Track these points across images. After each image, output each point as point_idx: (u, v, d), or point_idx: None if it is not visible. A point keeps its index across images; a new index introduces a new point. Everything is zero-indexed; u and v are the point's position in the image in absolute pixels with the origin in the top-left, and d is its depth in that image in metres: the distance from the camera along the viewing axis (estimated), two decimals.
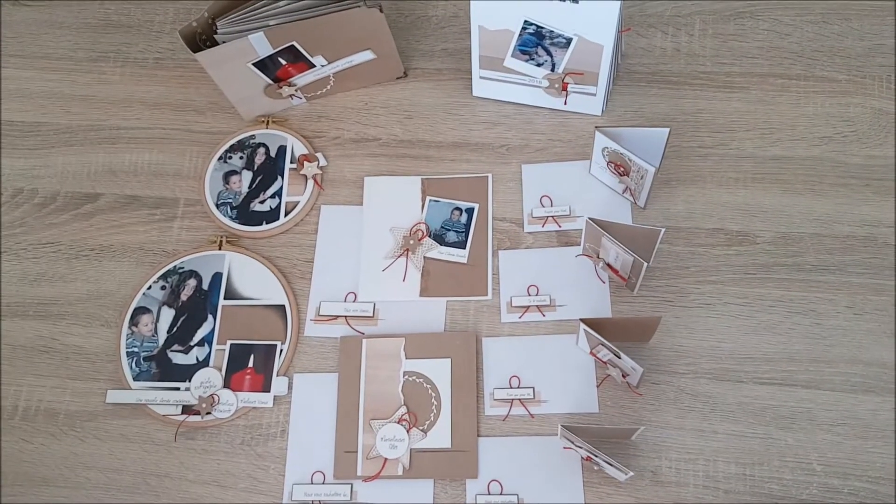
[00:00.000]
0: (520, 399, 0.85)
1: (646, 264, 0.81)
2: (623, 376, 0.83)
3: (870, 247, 0.88)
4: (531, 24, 0.87)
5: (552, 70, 0.92)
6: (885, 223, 0.89)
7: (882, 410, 0.82)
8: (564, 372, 0.86)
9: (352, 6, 0.90)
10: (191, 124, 1.03)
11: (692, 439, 0.83)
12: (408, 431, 0.85)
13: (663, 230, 0.80)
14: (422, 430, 0.85)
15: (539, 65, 0.92)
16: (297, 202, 0.96)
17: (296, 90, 0.99)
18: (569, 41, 0.88)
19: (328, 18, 0.89)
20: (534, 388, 0.86)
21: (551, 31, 0.87)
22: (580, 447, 0.78)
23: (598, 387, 0.85)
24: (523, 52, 0.91)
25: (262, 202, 0.97)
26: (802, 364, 0.84)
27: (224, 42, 0.90)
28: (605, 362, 0.84)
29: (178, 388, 0.89)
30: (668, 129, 0.85)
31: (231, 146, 1.00)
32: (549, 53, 0.90)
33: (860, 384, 0.83)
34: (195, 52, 0.90)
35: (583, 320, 0.80)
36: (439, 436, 0.85)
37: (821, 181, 0.92)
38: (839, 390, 0.83)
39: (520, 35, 0.89)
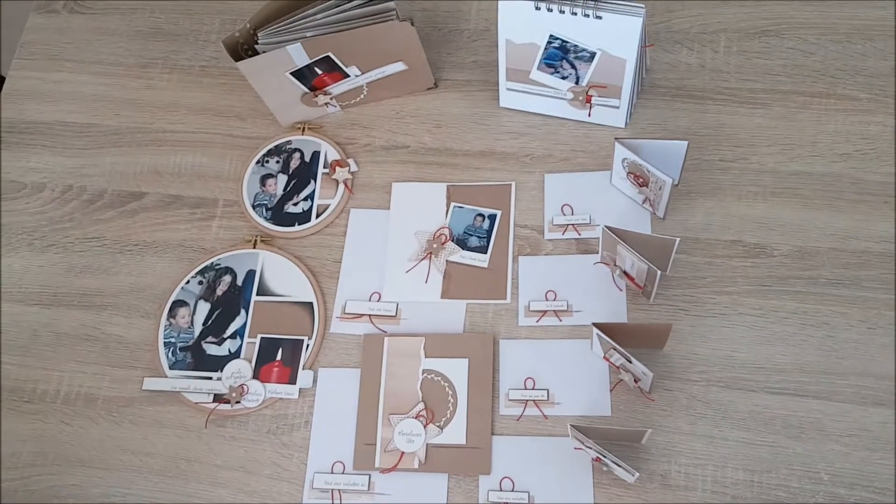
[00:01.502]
0: (534, 400, 0.88)
1: (659, 273, 0.83)
2: (635, 381, 0.85)
3: (886, 263, 0.89)
4: (556, 38, 0.91)
5: (576, 83, 0.95)
6: None
7: (891, 423, 0.83)
8: (578, 375, 0.89)
9: (385, 20, 0.94)
10: (232, 129, 1.08)
11: (702, 445, 0.85)
12: (425, 427, 0.88)
13: (678, 240, 0.82)
14: (438, 427, 0.88)
15: (564, 77, 0.95)
16: (328, 205, 1.01)
17: (331, 98, 1.04)
18: (593, 55, 0.91)
19: (362, 31, 0.94)
20: (548, 389, 0.88)
21: (576, 46, 0.91)
22: (590, 448, 0.81)
23: (611, 391, 0.88)
24: (549, 66, 0.94)
25: (295, 204, 1.01)
26: (814, 375, 0.86)
27: (264, 52, 0.95)
28: (617, 367, 0.86)
29: (210, 378, 0.94)
30: (686, 142, 0.87)
31: (268, 151, 1.05)
32: (573, 67, 0.93)
33: (870, 397, 0.84)
34: (237, 60, 0.95)
35: (595, 325, 0.83)
36: (455, 432, 0.88)
37: (839, 197, 0.93)
38: (849, 402, 0.84)
39: (545, 49, 0.92)
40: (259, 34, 0.95)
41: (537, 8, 0.88)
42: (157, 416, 0.94)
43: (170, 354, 0.96)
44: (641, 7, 0.85)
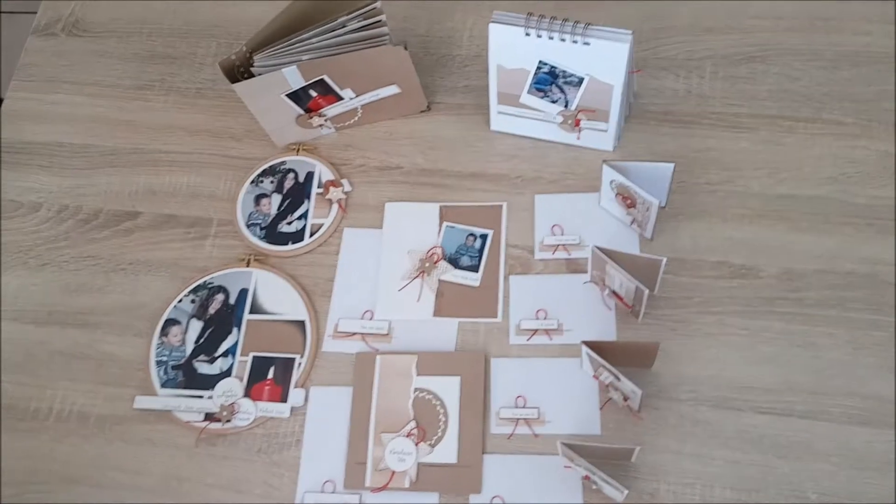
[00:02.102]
0: (525, 419, 0.89)
1: (647, 292, 0.84)
2: (624, 399, 0.86)
3: (871, 284, 0.91)
4: (546, 63, 0.93)
5: (566, 107, 0.97)
6: (886, 262, 0.92)
7: (877, 442, 0.83)
8: (568, 394, 0.89)
9: (379, 44, 0.96)
10: (227, 150, 1.10)
11: (691, 464, 0.85)
12: (416, 445, 0.88)
13: (665, 260, 0.84)
14: (429, 445, 0.89)
15: (553, 101, 0.97)
16: (322, 224, 1.02)
17: (325, 120, 1.05)
18: (581, 80, 0.93)
19: (357, 55, 0.96)
20: (538, 408, 0.89)
21: (564, 71, 0.93)
22: (579, 466, 0.81)
23: (600, 409, 0.88)
24: (538, 90, 0.96)
25: (289, 224, 1.02)
26: (801, 395, 0.87)
27: (260, 74, 0.97)
28: (607, 385, 0.87)
29: (201, 397, 0.94)
30: (672, 165, 0.89)
31: (263, 171, 1.06)
32: (562, 91, 0.95)
33: (857, 416, 0.85)
34: (233, 82, 0.97)
35: (585, 343, 0.84)
36: (446, 451, 0.88)
37: (825, 220, 0.95)
38: (836, 422, 0.85)
39: (535, 74, 0.94)
40: (255, 57, 0.97)
41: (527, 34, 0.90)
42: (149, 434, 0.94)
43: (161, 373, 0.96)
44: (628, 34, 0.88)
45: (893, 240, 0.93)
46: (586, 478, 0.83)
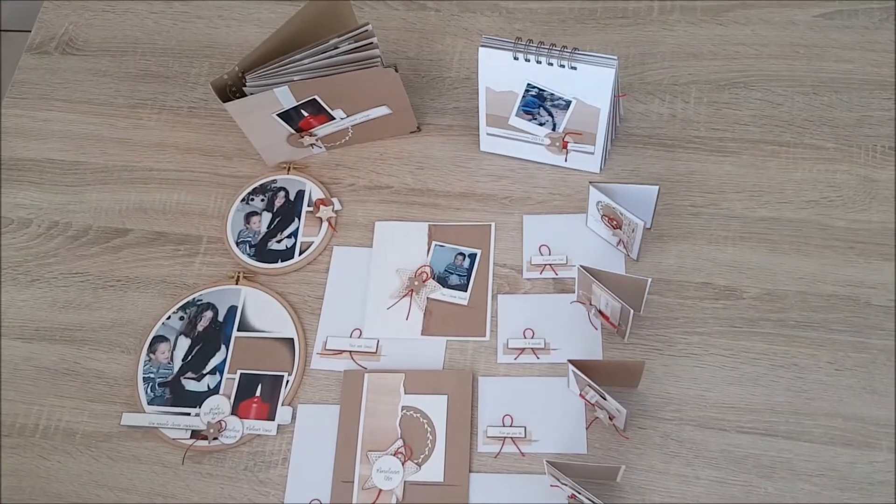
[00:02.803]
0: (511, 437, 0.89)
1: (632, 312, 0.85)
2: (610, 419, 0.87)
3: (852, 306, 0.92)
4: (534, 87, 0.94)
5: (553, 129, 0.99)
6: (867, 284, 0.93)
7: (859, 463, 0.85)
8: (555, 413, 0.90)
9: (370, 66, 0.97)
10: (218, 168, 1.10)
11: (675, 484, 0.86)
12: (403, 464, 0.89)
13: (650, 280, 0.85)
14: (416, 464, 0.89)
15: (541, 124, 0.99)
16: (312, 242, 1.03)
17: (316, 140, 1.07)
18: (568, 103, 0.95)
19: (348, 76, 0.97)
20: (525, 427, 0.90)
21: (552, 94, 0.94)
22: (565, 485, 0.82)
23: (587, 428, 0.89)
24: (527, 112, 0.98)
25: (278, 241, 1.03)
26: (784, 416, 0.88)
27: (252, 94, 0.98)
28: (593, 404, 0.88)
29: (188, 414, 0.94)
30: (657, 187, 0.90)
31: (254, 189, 1.07)
32: (550, 114, 0.97)
33: (839, 437, 0.86)
34: (225, 102, 0.98)
35: (571, 361, 0.85)
36: (433, 469, 0.89)
37: (807, 242, 0.97)
38: (818, 442, 0.86)
39: (523, 97, 0.96)
40: (247, 77, 0.98)
41: (515, 58, 0.92)
42: (135, 451, 0.94)
43: (149, 390, 0.96)
44: (614, 59, 0.89)
45: (873, 263, 0.94)
46: (572, 497, 0.83)
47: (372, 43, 0.97)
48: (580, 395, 0.89)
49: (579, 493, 0.80)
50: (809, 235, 0.97)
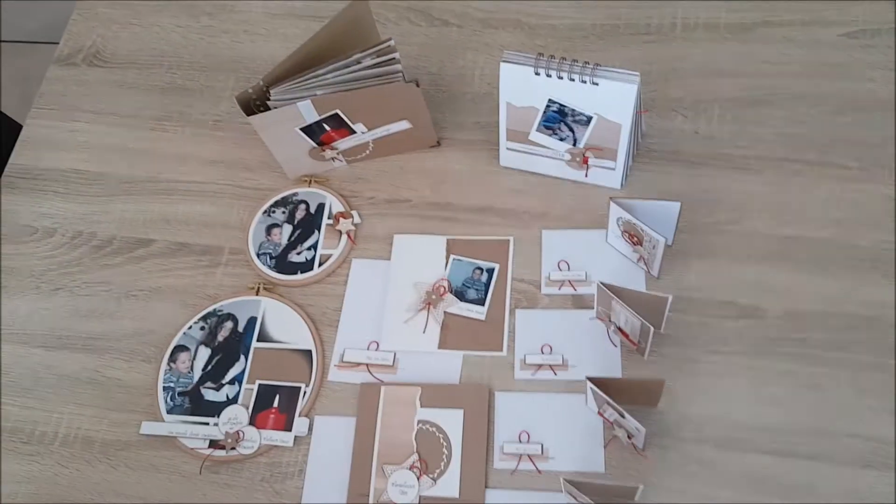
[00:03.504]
0: (528, 454, 0.89)
1: (652, 329, 0.85)
2: (629, 437, 0.86)
3: (874, 327, 0.91)
4: (555, 102, 0.94)
5: (574, 145, 0.99)
6: (889, 305, 0.92)
7: (879, 485, 0.83)
8: (573, 430, 0.89)
9: (392, 81, 0.98)
10: (241, 181, 1.12)
11: None
12: (418, 478, 0.88)
13: (670, 297, 0.84)
14: (432, 478, 0.89)
15: (562, 139, 0.99)
16: (331, 255, 1.03)
17: (337, 153, 1.07)
18: (589, 119, 0.95)
19: (370, 91, 0.98)
20: (542, 444, 0.89)
21: (573, 110, 0.94)
22: (582, 503, 0.81)
23: (605, 447, 0.88)
24: (547, 128, 0.98)
25: (298, 253, 1.04)
26: (805, 437, 0.86)
27: (275, 108, 0.99)
28: (611, 423, 0.87)
29: (207, 423, 0.95)
30: (679, 203, 0.90)
31: (275, 202, 1.08)
32: (571, 130, 0.97)
33: (860, 459, 0.85)
34: (249, 115, 0.99)
35: (589, 378, 0.84)
36: (448, 484, 0.88)
37: (830, 262, 0.96)
38: (840, 463, 0.85)
39: (544, 112, 0.96)
40: (271, 91, 0.99)
41: (537, 73, 0.92)
42: (153, 460, 0.94)
43: (168, 399, 0.97)
44: (636, 75, 0.89)
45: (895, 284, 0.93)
46: None
47: (394, 58, 0.98)
48: (598, 412, 0.89)
49: None
50: (832, 255, 0.96)
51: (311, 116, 1.00)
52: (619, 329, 0.91)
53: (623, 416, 0.83)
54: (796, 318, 0.93)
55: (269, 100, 1.00)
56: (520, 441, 0.90)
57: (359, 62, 0.98)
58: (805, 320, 0.92)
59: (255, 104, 1.00)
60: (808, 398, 0.88)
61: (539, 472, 0.88)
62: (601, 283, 0.87)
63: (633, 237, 0.93)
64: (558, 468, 0.88)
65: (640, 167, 1.04)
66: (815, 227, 0.98)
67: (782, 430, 0.87)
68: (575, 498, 0.82)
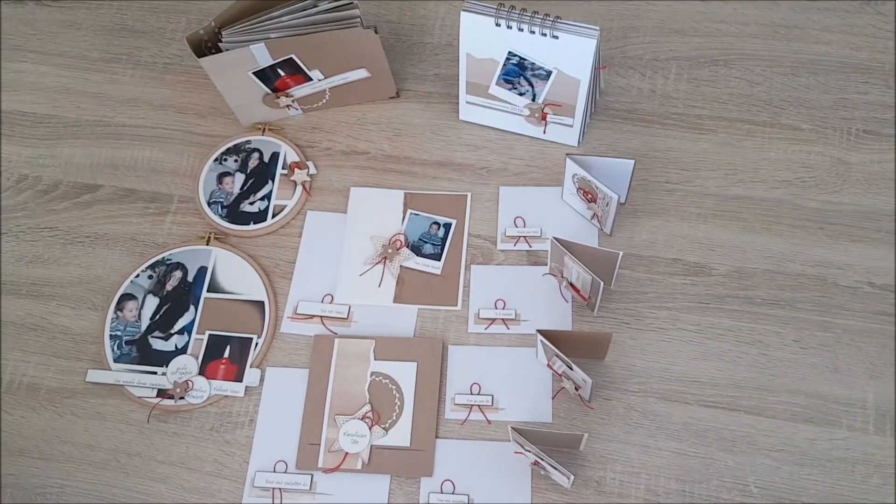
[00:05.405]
0: (479, 405, 0.90)
1: (602, 285, 0.86)
2: (576, 389, 0.88)
3: (819, 286, 0.94)
4: (515, 55, 0.94)
5: (533, 100, 0.98)
6: (835, 265, 0.94)
7: (819, 440, 0.86)
8: (523, 382, 0.91)
9: (350, 26, 0.96)
10: (192, 126, 1.09)
11: (637, 454, 0.87)
12: (370, 428, 0.89)
13: (621, 253, 0.85)
14: (383, 428, 0.89)
15: (521, 94, 0.98)
16: (285, 206, 1.02)
17: (293, 101, 1.05)
18: (549, 73, 0.94)
19: (327, 35, 0.96)
20: (493, 395, 0.90)
21: (533, 63, 0.94)
22: (529, 451, 0.82)
23: (552, 398, 0.90)
24: (507, 81, 0.97)
25: (251, 203, 1.02)
26: (747, 391, 0.89)
27: (227, 50, 0.97)
28: (559, 374, 0.89)
29: (155, 373, 0.94)
30: (633, 161, 0.91)
31: (227, 149, 1.06)
32: (530, 84, 0.96)
33: (800, 414, 0.87)
34: (200, 57, 0.96)
35: (540, 331, 0.85)
36: (399, 435, 0.89)
37: (778, 222, 0.97)
38: (780, 418, 0.88)
39: (504, 65, 0.95)
40: (223, 33, 0.96)
41: (497, 24, 0.91)
42: (100, 408, 0.93)
43: (115, 348, 0.95)
44: (596, 29, 0.89)
45: (841, 244, 0.95)
46: (535, 464, 0.84)
47: (352, 3, 0.95)
48: (548, 365, 0.90)
49: (542, 460, 0.81)
50: (781, 215, 0.98)
51: (265, 60, 0.97)
52: (571, 284, 0.92)
53: (571, 368, 0.84)
54: (742, 276, 0.95)
55: (221, 42, 0.97)
56: (471, 393, 0.91)
57: (315, 5, 0.96)
58: (751, 278, 0.94)
59: (206, 46, 0.97)
60: (751, 354, 0.91)
61: (489, 422, 0.89)
62: (555, 238, 0.87)
63: (588, 194, 0.94)
64: (508, 419, 0.89)
65: (596, 125, 1.04)
66: (765, 187, 1.00)
67: (725, 385, 0.89)
68: (522, 447, 0.83)
